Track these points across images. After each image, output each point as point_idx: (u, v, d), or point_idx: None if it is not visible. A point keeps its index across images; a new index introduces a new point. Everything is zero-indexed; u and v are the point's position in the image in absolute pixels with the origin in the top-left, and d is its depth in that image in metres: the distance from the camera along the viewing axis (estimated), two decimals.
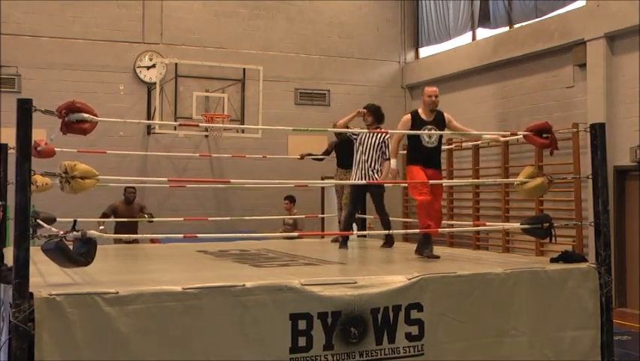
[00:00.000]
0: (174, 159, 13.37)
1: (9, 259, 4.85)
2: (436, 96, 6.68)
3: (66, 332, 3.90)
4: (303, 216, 11.50)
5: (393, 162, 7.03)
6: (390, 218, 8.09)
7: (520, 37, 12.63)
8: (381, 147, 7.77)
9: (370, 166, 7.80)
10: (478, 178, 12.97)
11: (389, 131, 7.64)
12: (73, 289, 4.07)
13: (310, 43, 15.23)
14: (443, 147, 7.13)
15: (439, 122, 6.68)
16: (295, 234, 6.28)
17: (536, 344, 5.18)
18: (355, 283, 4.69)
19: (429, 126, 6.61)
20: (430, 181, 6.48)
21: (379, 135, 7.74)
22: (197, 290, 4.25)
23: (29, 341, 3.83)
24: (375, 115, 7.97)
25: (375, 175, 7.75)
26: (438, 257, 6.30)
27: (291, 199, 12.52)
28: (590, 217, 6.05)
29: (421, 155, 6.62)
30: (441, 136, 6.72)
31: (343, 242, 7.73)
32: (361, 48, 15.63)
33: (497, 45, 13.19)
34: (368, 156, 7.84)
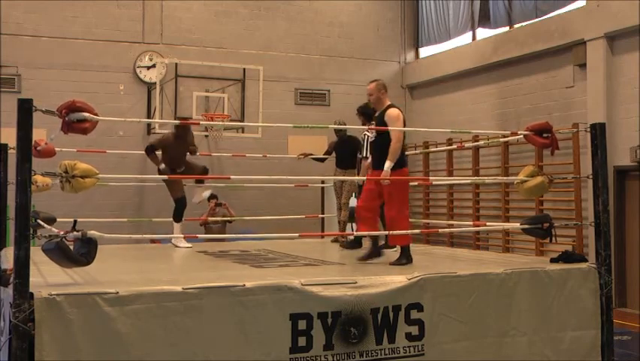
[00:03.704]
0: None
1: (9, 259, 4.85)
2: (370, 94, 6.65)
3: (66, 332, 3.90)
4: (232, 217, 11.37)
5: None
6: None
7: (520, 37, 12.63)
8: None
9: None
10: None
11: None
12: (74, 289, 4.08)
13: (310, 43, 15.21)
14: (444, 147, 7.06)
15: (380, 118, 6.34)
16: (296, 234, 6.25)
17: (536, 344, 5.19)
18: (355, 283, 4.70)
19: (374, 122, 6.54)
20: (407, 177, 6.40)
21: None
22: (197, 290, 4.25)
23: (29, 341, 3.83)
24: (364, 115, 7.99)
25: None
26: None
27: (217, 198, 12.00)
28: (590, 217, 6.05)
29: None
30: (379, 132, 6.19)
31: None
32: (361, 48, 15.61)
33: (497, 45, 13.18)
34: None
